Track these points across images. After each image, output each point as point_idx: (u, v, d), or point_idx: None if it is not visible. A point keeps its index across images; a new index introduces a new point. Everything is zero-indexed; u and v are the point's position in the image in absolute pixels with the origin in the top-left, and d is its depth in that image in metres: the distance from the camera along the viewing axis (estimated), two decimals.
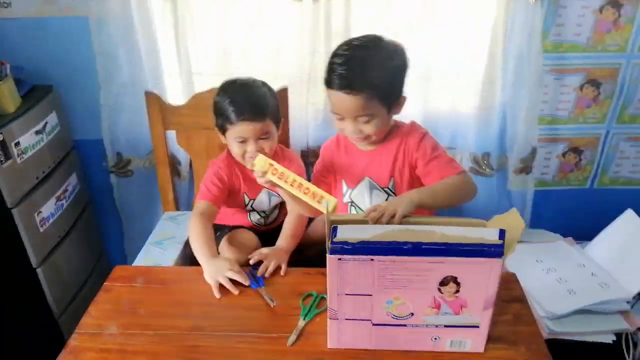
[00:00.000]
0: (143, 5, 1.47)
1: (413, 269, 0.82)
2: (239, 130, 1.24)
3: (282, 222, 1.42)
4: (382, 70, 0.99)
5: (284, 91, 1.53)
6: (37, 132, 1.45)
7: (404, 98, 1.07)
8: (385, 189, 1.13)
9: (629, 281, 1.32)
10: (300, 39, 1.53)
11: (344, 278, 0.85)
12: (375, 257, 0.82)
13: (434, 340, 0.89)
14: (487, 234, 0.78)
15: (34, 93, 1.52)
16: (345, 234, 0.82)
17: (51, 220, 1.51)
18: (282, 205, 1.44)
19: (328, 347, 0.92)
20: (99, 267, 1.80)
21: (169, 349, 0.92)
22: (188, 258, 1.39)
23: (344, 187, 1.17)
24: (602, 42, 1.56)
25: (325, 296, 1.00)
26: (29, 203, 1.41)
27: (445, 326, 0.87)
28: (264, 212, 1.41)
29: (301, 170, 1.37)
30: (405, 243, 0.79)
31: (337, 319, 0.90)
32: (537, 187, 1.80)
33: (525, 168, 1.71)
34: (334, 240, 0.82)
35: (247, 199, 1.38)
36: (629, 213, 1.46)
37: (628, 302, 1.29)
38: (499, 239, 0.77)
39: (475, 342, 0.89)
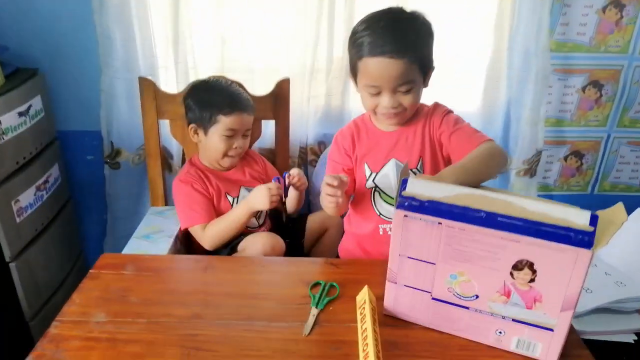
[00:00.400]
0: None
1: (484, 243, 0.73)
2: (232, 121, 1.24)
3: (272, 223, 1.35)
4: (416, 33, 0.96)
5: (285, 82, 1.46)
6: (20, 114, 1.34)
7: (433, 69, 1.03)
8: (414, 170, 1.06)
9: None
10: (303, 29, 1.47)
11: (408, 238, 0.78)
12: (443, 221, 0.74)
13: (497, 334, 0.79)
14: (576, 216, 0.68)
15: (18, 75, 1.42)
16: (415, 188, 0.76)
17: (29, 211, 1.38)
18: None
19: (384, 307, 0.86)
20: (76, 269, 1.67)
21: (166, 338, 0.82)
22: (179, 251, 1.29)
23: (367, 171, 1.10)
24: (605, 42, 1.56)
25: (334, 284, 0.94)
26: (6, 189, 1.30)
27: (514, 320, 0.77)
28: None
29: (268, 167, 1.42)
30: (479, 211, 0.71)
31: (396, 283, 0.83)
32: (539, 191, 1.76)
33: (529, 170, 1.67)
34: (402, 193, 0.75)
35: (230, 199, 1.30)
36: (638, 212, 1.42)
37: None
38: (590, 225, 0.67)
39: (547, 349, 0.77)
